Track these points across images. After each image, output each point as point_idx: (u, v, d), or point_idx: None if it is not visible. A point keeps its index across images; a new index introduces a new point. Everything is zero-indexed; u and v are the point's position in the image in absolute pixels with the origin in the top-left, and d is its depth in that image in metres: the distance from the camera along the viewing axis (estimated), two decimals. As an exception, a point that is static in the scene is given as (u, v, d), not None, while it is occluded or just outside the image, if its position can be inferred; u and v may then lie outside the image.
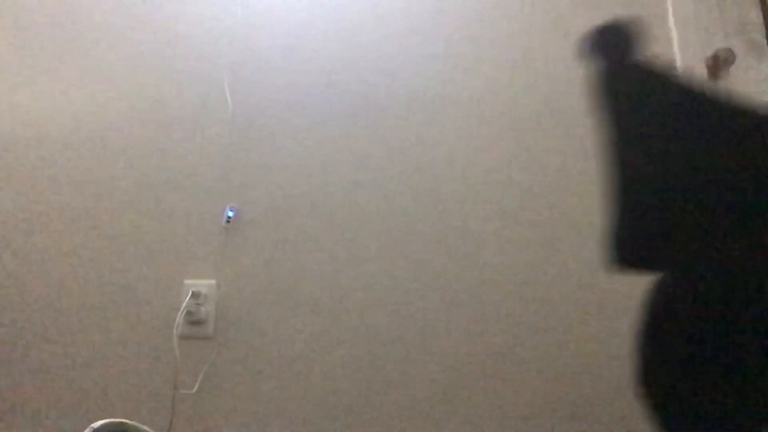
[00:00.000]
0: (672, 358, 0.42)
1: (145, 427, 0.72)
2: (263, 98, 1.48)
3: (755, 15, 1.62)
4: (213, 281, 1.36)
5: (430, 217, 1.38)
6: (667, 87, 0.45)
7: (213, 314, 1.33)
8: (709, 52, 1.54)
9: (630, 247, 0.43)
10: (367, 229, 1.38)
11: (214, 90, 1.48)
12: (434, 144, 1.43)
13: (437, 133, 1.44)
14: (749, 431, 0.42)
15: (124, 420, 0.70)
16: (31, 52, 1.54)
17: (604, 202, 0.48)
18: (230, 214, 1.39)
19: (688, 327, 0.42)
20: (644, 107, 0.44)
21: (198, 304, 1.32)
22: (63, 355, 1.33)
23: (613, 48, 0.48)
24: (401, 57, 1.50)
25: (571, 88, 1.48)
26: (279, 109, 1.47)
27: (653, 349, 0.43)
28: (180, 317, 1.30)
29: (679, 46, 1.51)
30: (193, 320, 1.32)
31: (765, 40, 1.59)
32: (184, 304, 1.31)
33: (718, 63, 1.53)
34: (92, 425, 0.66)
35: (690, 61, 1.50)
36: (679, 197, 0.39)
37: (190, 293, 1.33)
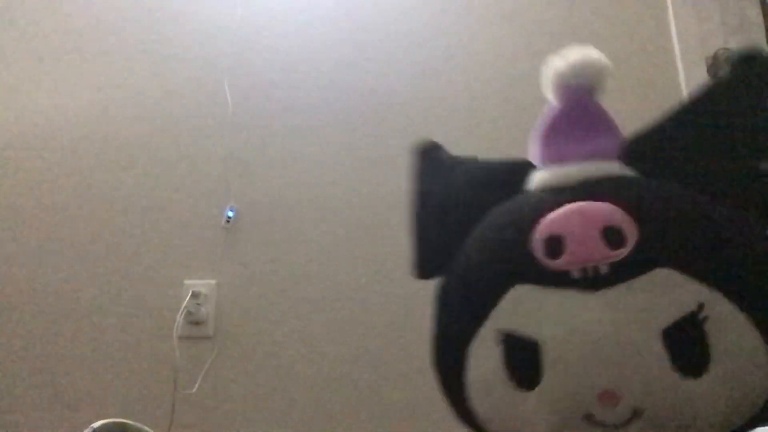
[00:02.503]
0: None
1: (145, 427, 0.71)
2: (263, 98, 1.48)
3: (755, 15, 1.62)
4: (213, 281, 1.36)
5: (430, 217, 1.38)
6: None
7: (213, 314, 1.33)
8: (709, 52, 1.54)
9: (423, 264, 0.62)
10: (367, 228, 1.38)
11: (214, 90, 1.48)
12: (434, 144, 1.43)
13: (438, 134, 1.44)
14: None
15: (124, 420, 0.70)
16: (30, 52, 1.54)
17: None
18: (230, 214, 1.38)
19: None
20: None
21: (198, 304, 1.32)
22: (63, 355, 1.33)
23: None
24: (401, 57, 1.50)
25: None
26: (279, 109, 1.47)
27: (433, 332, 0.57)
28: (180, 317, 1.30)
29: (679, 46, 1.51)
30: (193, 320, 1.32)
31: (765, 40, 1.59)
32: (184, 304, 1.31)
33: (718, 63, 1.53)
34: (92, 425, 0.66)
35: (690, 61, 1.50)
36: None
37: (190, 293, 1.33)
